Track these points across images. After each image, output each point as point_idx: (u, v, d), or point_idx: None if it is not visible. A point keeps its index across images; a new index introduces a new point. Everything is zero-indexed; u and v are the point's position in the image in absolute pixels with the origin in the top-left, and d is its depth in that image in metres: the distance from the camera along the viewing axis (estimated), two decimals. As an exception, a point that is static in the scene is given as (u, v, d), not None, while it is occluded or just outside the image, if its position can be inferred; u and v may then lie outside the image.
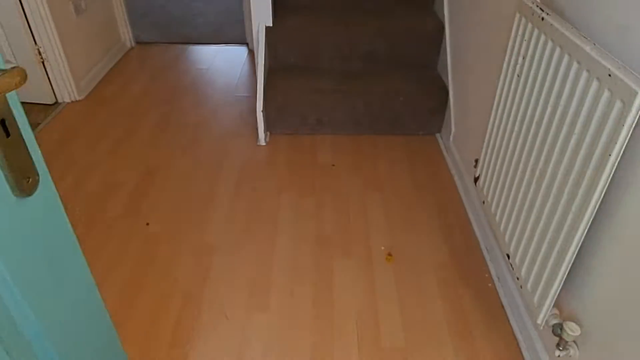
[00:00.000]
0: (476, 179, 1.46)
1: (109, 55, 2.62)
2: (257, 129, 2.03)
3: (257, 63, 2.01)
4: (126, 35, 2.83)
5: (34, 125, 2.11)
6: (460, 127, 1.84)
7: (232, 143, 2.03)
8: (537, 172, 1.05)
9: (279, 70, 2.12)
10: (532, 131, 1.08)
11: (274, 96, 1.97)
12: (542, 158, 1.03)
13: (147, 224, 1.61)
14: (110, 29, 2.66)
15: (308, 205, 1.70)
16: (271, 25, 2.03)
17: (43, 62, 2.17)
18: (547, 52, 1.02)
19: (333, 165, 1.92)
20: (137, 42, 2.95)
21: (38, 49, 2.13)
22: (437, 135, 2.12)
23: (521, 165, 1.14)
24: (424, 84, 2.04)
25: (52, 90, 2.26)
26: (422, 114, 2.05)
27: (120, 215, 1.64)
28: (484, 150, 1.38)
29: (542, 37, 1.04)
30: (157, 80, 2.52)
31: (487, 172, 1.37)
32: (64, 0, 2.19)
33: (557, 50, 0.97)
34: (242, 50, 2.88)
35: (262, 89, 1.95)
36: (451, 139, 1.93)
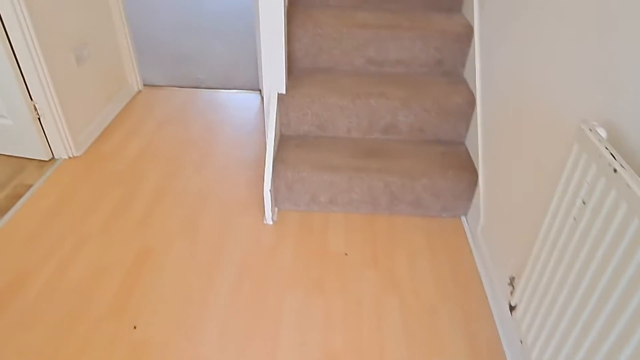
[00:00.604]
0: (512, 308, 1.25)
1: (113, 102, 2.47)
2: (264, 204, 1.85)
3: (267, 134, 1.83)
4: (134, 79, 2.68)
5: (26, 188, 1.96)
6: (490, 221, 1.64)
7: (236, 220, 1.85)
8: (593, 331, 0.85)
9: (291, 139, 1.94)
10: (588, 288, 0.88)
11: (283, 171, 1.79)
12: (599, 319, 0.83)
13: (135, 327, 1.43)
14: (116, 73, 2.51)
15: (316, 310, 1.51)
16: (284, 93, 1.85)
17: (39, 118, 2.02)
18: (619, 214, 0.82)
19: (346, 254, 1.72)
20: (145, 85, 2.80)
21: (34, 105, 1.98)
22: (463, 218, 1.92)
23: (571, 315, 0.93)
24: (451, 164, 1.84)
25: (48, 146, 2.10)
26: (447, 197, 1.85)
27: (105, 315, 1.46)
28: (522, 284, 1.18)
29: (613, 193, 0.84)
30: (162, 132, 2.35)
31: (527, 309, 1.16)
32: (64, 50, 2.04)
33: (630, 210, 0.77)
34: (254, 99, 2.70)
35: (271, 164, 1.77)
36: (479, 229, 1.72)
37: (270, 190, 1.76)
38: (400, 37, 1.94)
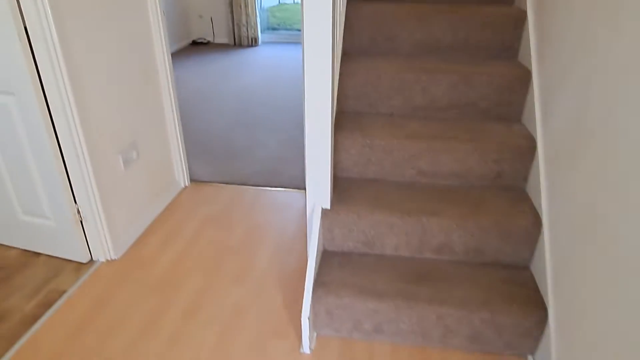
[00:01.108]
0: None
1: (158, 200, 2.46)
2: (302, 329, 1.67)
3: (309, 252, 1.70)
4: (181, 175, 2.69)
5: (59, 294, 1.90)
6: (567, 377, 1.37)
7: (272, 344, 1.67)
8: None
9: (334, 256, 1.79)
10: None
11: (324, 296, 1.63)
12: None
13: None
14: (164, 170, 2.52)
15: None
16: (329, 208, 1.73)
17: (81, 222, 2.00)
18: None
19: (391, 400, 1.49)
20: (192, 180, 2.80)
21: (77, 209, 1.97)
22: (530, 358, 1.64)
23: None
24: (515, 294, 1.61)
25: (87, 249, 2.07)
26: (511, 333, 1.60)
27: None
28: None
29: None
30: (203, 235, 2.28)
31: None
32: (113, 153, 2.06)
33: None
34: (299, 198, 2.62)
35: (311, 288, 1.62)
36: (552, 379, 1.45)
37: (308, 318, 1.59)
38: (455, 149, 1.81)
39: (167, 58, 2.40)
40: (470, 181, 1.88)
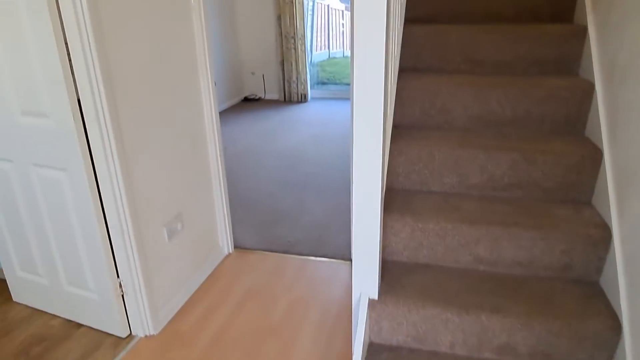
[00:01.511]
0: None
1: (200, 270, 2.41)
2: None
3: (354, 348, 1.55)
4: (225, 241, 2.65)
5: (94, 372, 1.84)
6: None
7: None
8: None
9: (381, 350, 1.63)
10: None
11: (370, 401, 1.47)
12: None
13: None
14: (208, 238, 2.49)
15: None
16: (377, 298, 1.60)
17: (122, 295, 1.97)
18: None
19: None
20: (236, 247, 2.75)
21: (119, 282, 1.95)
22: None
23: None
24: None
25: (127, 323, 2.02)
26: None
27: None
28: None
29: None
30: (243, 310, 2.19)
31: None
32: (157, 225, 2.04)
33: None
34: (344, 271, 2.49)
35: (355, 390, 1.46)
36: None
37: None
38: (518, 236, 1.65)
39: (216, 127, 2.42)
40: (535, 271, 1.69)
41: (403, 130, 2.03)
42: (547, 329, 1.50)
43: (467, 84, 1.97)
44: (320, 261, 2.60)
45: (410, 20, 2.42)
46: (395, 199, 1.85)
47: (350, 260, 2.59)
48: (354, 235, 1.56)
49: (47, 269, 2.06)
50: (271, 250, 2.71)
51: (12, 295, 2.27)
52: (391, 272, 1.73)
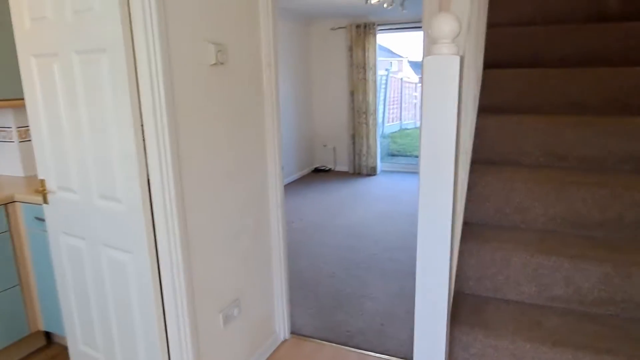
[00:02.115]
0: None
1: (254, 358, 2.31)
2: None
3: None
4: (281, 326, 2.55)
5: None
6: None
7: None
8: None
9: None
10: None
11: None
12: None
13: None
14: (264, 324, 2.41)
15: None
16: None
17: (172, 383, 1.92)
18: None
19: None
20: (292, 333, 2.64)
21: (171, 369, 1.90)
22: None
23: None
24: None
25: (173, 413, 1.95)
26: None
27: None
28: None
29: None
30: (293, 409, 2.04)
31: None
32: (213, 312, 2.00)
33: None
34: (406, 373, 2.27)
35: None
36: None
37: None
38: (613, 367, 1.40)
39: (281, 210, 2.41)
40: (636, 412, 1.41)
41: (474, 228, 1.88)
42: None
43: (547, 181, 1.81)
44: (380, 358, 2.40)
45: (484, 109, 2.33)
46: (464, 306, 1.67)
47: (413, 360, 2.37)
48: (416, 346, 1.41)
49: (105, 346, 2.08)
50: (329, 340, 2.56)
51: (72, 367, 2.31)
52: (458, 393, 1.53)
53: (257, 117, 2.22)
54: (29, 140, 2.68)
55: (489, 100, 2.36)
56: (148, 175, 1.72)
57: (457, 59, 1.23)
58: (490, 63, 2.47)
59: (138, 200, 1.72)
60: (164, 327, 1.87)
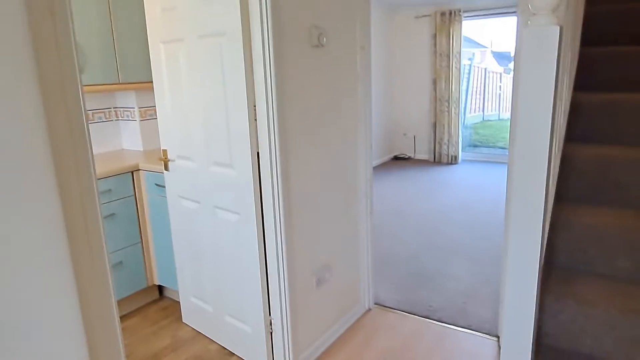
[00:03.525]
0: None
1: (341, 321, 2.49)
2: None
3: None
4: (366, 297, 2.70)
5: (240, 401, 2.00)
6: None
7: None
8: None
9: None
10: None
11: None
12: None
13: None
14: (351, 291, 2.57)
15: None
16: (527, 383, 1.47)
17: (271, 333, 2.14)
18: None
19: None
20: (376, 303, 2.78)
21: (270, 320, 2.12)
22: None
23: None
24: None
25: (272, 359, 2.18)
26: None
27: None
28: None
29: None
30: (379, 369, 2.18)
31: None
32: (309, 274, 2.19)
33: None
34: (489, 347, 2.32)
35: None
36: None
37: None
38: None
39: (369, 185, 2.55)
40: None
41: (567, 203, 1.89)
42: None
43: (649, 158, 1.78)
44: (462, 332, 2.47)
45: (582, 87, 2.29)
46: (554, 277, 1.71)
47: (497, 336, 2.41)
48: (504, 310, 1.49)
49: (214, 299, 2.35)
50: (411, 313, 2.67)
51: (182, 316, 2.63)
52: (546, 357, 1.58)
53: (351, 96, 2.37)
54: (148, 119, 3.05)
55: (586, 79, 2.32)
56: (258, 147, 1.94)
57: (557, 28, 1.28)
58: (587, 41, 2.42)
59: (248, 166, 1.95)
60: (266, 282, 2.09)
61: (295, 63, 1.96)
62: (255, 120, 1.92)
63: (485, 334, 2.44)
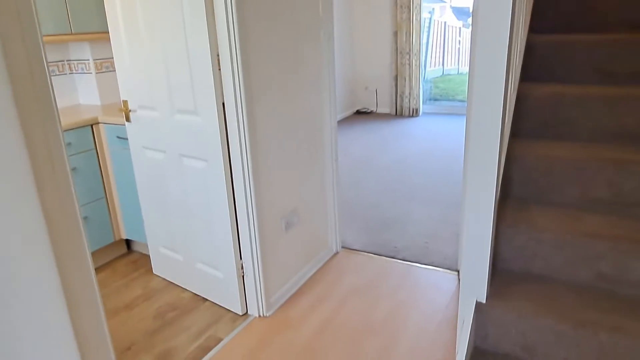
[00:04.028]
0: None
1: (311, 263, 2.57)
2: None
3: (458, 349, 1.57)
4: (333, 241, 2.79)
5: (216, 341, 2.07)
6: None
7: None
8: None
9: (486, 356, 1.62)
10: None
11: (472, 402, 1.47)
12: None
13: None
14: (319, 235, 2.65)
15: None
16: (484, 302, 1.60)
17: (243, 276, 2.20)
18: None
19: None
20: (343, 247, 2.88)
21: (241, 264, 2.18)
22: None
23: None
24: None
25: (244, 302, 2.25)
26: None
27: None
28: None
29: None
30: (348, 305, 2.29)
31: None
32: (277, 218, 2.24)
33: None
34: (450, 281, 2.48)
35: (458, 389, 1.48)
36: None
37: (452, 423, 1.44)
38: (648, 255, 1.53)
39: (334, 132, 2.59)
40: (667, 295, 1.56)
41: (521, 139, 2.00)
42: (678, 356, 1.37)
43: (596, 95, 1.89)
44: (425, 269, 2.61)
45: (537, 30, 2.37)
46: (509, 206, 1.83)
47: (457, 270, 2.57)
48: (465, 236, 1.59)
49: (184, 247, 2.37)
50: (377, 254, 2.79)
51: (153, 268, 2.64)
52: (501, 279, 1.72)
53: (315, 42, 2.36)
54: (105, 72, 2.93)
55: (541, 21, 2.40)
56: (223, 97, 1.92)
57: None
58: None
59: (213, 113, 1.93)
60: (236, 227, 2.13)
61: (258, 9, 1.92)
62: (220, 70, 1.90)
63: (447, 269, 2.60)
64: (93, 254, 2.69)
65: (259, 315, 2.24)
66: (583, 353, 1.49)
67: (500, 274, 1.74)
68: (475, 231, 1.56)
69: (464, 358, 1.53)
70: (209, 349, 2.03)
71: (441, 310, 2.23)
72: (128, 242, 2.95)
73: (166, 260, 2.52)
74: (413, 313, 2.22)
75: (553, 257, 1.67)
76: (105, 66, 2.94)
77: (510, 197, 1.90)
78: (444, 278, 2.51)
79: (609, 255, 1.58)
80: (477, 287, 1.60)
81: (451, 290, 2.40)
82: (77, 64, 2.93)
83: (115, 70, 2.94)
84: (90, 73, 2.89)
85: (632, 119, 1.85)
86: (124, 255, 2.90)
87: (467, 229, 1.58)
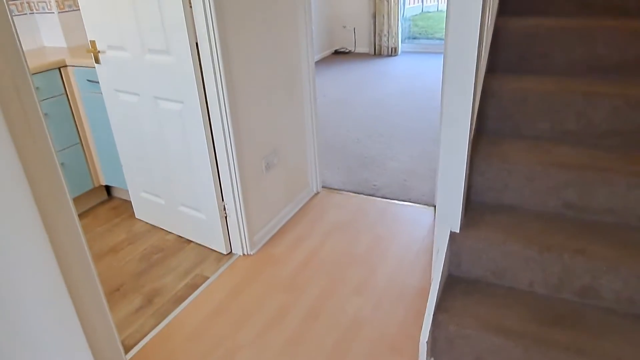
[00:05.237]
0: None
1: (292, 203, 2.63)
2: (419, 352, 1.65)
3: (433, 274, 1.66)
4: (314, 181, 2.83)
5: (203, 279, 2.14)
6: None
7: (385, 361, 1.68)
8: None
9: (459, 282, 1.73)
10: None
11: (445, 323, 1.58)
12: None
13: None
14: (299, 176, 2.68)
15: None
16: (458, 232, 1.68)
17: (226, 217, 2.24)
18: None
19: None
20: (324, 187, 2.93)
21: (224, 205, 2.21)
22: None
23: None
24: (676, 358, 1.38)
25: (228, 242, 2.30)
26: (667, 403, 1.37)
27: None
28: None
29: None
30: (330, 240, 2.38)
31: None
32: (257, 158, 2.26)
33: None
34: (427, 215, 2.57)
35: (432, 311, 1.58)
36: None
37: (427, 342, 1.56)
38: (612, 183, 1.61)
39: (312, 70, 2.55)
40: (627, 221, 1.65)
41: (497, 74, 2.01)
42: (635, 274, 1.49)
43: (571, 26, 1.89)
44: (404, 205, 2.70)
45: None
46: (483, 140, 1.87)
47: (434, 205, 2.66)
48: (440, 169, 1.64)
49: (165, 191, 2.38)
50: (357, 192, 2.86)
51: (135, 213, 2.66)
52: (474, 210, 1.79)
53: (288, -25, 2.26)
54: (68, 11, 2.78)
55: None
56: (196, 37, 1.86)
57: None
58: None
59: (187, 53, 1.88)
60: (216, 169, 2.13)
61: None
62: (191, 7, 1.82)
63: (424, 204, 2.68)
64: (73, 200, 2.68)
65: (243, 254, 2.30)
66: (547, 274, 1.60)
67: (474, 205, 1.82)
68: (450, 164, 1.61)
69: (439, 284, 1.63)
70: (197, 286, 2.10)
71: (418, 242, 2.33)
72: (108, 190, 2.94)
73: (148, 204, 2.53)
74: (392, 245, 2.32)
75: (523, 188, 1.75)
76: (68, 4, 2.78)
77: (486, 132, 1.95)
78: (421, 213, 2.60)
79: (576, 184, 1.66)
80: (451, 217, 1.67)
81: (428, 224, 2.49)
82: (38, 2, 2.76)
83: (79, 9, 2.79)
84: (53, 12, 2.74)
85: (606, 50, 1.87)
86: (104, 202, 2.90)
87: (442, 162, 1.63)
